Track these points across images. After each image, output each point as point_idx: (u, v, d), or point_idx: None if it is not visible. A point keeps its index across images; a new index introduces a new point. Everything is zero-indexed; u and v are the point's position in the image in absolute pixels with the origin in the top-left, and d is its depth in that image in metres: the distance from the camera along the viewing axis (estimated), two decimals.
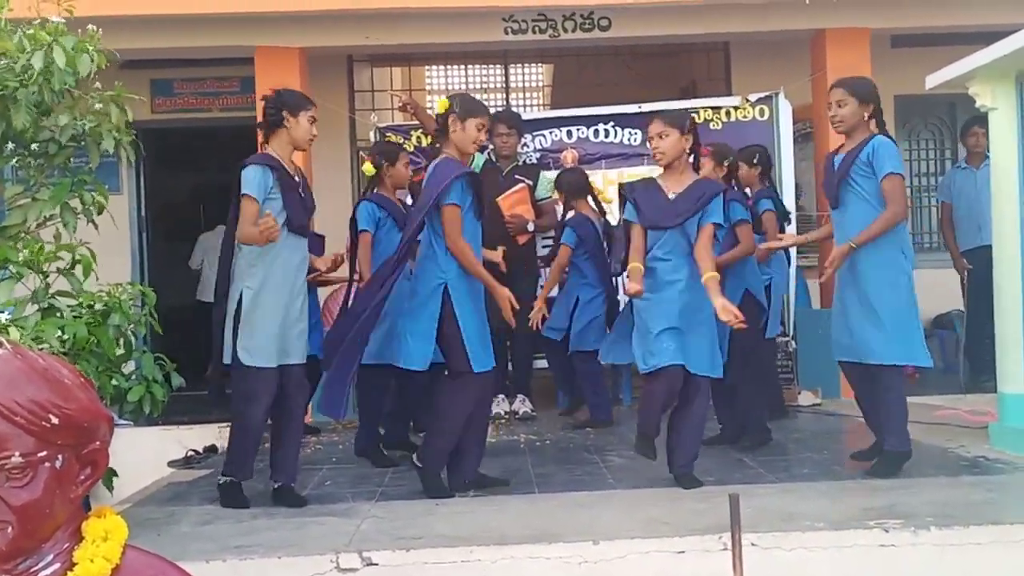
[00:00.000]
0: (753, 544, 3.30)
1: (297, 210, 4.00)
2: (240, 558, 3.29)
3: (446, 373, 4.11)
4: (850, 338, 4.26)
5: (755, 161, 5.66)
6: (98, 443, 1.44)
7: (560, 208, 6.20)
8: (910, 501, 3.71)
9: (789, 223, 5.87)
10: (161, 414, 5.33)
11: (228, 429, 4.15)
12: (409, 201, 5.38)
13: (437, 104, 4.09)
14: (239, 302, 3.90)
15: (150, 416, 3.85)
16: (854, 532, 3.35)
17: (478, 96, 9.43)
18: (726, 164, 5.26)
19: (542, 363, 6.40)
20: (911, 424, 5.36)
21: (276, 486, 4.08)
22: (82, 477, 1.44)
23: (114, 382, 3.63)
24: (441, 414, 4.06)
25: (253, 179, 3.88)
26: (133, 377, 3.76)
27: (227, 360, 3.94)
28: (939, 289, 7.17)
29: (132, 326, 3.75)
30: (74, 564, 1.42)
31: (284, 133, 4.02)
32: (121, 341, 3.57)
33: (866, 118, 4.23)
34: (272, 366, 3.91)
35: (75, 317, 3.46)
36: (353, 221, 5.08)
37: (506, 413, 6.26)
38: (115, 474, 4.12)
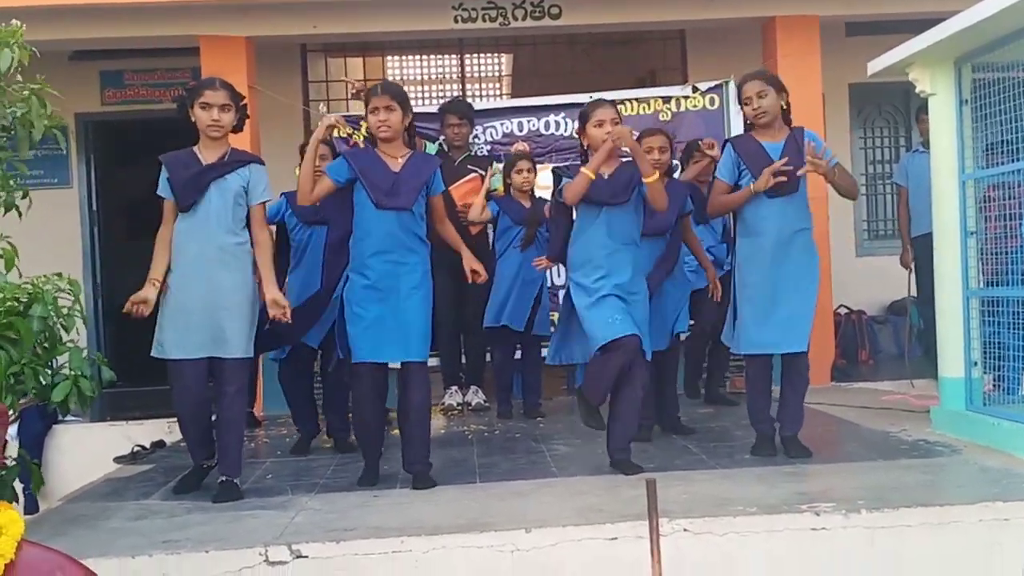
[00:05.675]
0: (685, 529, 3.31)
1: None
2: (167, 552, 3.24)
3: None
4: None
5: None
6: None
7: None
8: (845, 485, 3.73)
9: None
10: (111, 409, 5.17)
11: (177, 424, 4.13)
12: None
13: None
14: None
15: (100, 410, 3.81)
16: (786, 516, 3.35)
17: (435, 85, 9.43)
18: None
19: None
20: (859, 409, 5.47)
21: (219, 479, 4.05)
22: None
23: (41, 378, 3.54)
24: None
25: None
26: (62, 372, 3.68)
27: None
28: (893, 276, 7.22)
29: (60, 319, 3.67)
30: None
31: None
32: (45, 335, 3.48)
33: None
34: None
35: None
36: None
37: (459, 404, 6.24)
38: (42, 482, 4.05)
